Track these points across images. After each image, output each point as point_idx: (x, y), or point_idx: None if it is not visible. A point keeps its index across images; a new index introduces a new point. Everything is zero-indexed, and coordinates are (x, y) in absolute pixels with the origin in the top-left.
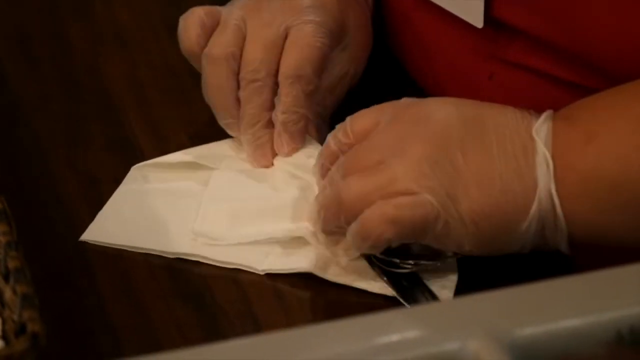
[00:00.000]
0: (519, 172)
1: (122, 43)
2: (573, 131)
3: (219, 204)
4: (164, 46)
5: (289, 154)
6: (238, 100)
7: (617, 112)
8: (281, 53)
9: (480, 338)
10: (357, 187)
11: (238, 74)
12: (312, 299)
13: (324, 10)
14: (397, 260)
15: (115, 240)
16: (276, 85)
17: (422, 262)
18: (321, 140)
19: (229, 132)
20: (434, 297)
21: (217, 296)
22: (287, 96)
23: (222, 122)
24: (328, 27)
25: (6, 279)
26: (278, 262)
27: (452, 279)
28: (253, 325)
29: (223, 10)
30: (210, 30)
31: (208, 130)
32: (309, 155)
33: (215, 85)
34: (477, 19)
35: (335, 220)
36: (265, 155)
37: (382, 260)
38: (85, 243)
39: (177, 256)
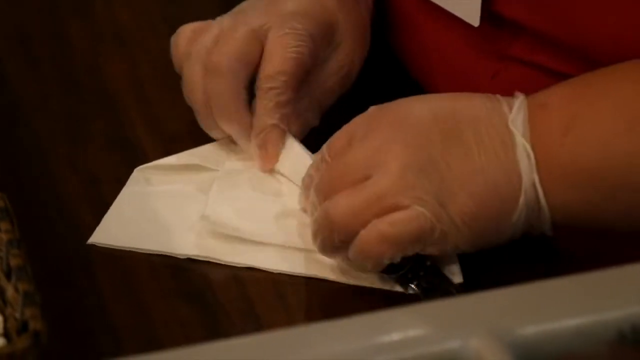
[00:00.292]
0: (501, 166)
1: (122, 42)
2: (550, 120)
3: (229, 197)
4: (165, 45)
5: (265, 166)
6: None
7: (595, 99)
8: (254, 48)
9: (481, 337)
10: (345, 205)
11: None
12: (313, 298)
13: (305, 15)
14: (409, 276)
15: (123, 243)
16: (247, 75)
17: (428, 263)
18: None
19: (210, 134)
20: (450, 283)
21: (218, 295)
22: (260, 106)
23: (202, 124)
24: (309, 32)
25: (8, 276)
26: (288, 264)
27: (456, 265)
28: (254, 324)
29: (212, 22)
30: None
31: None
32: (298, 163)
33: (188, 82)
34: (474, 18)
35: (330, 241)
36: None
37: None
38: (84, 242)
39: (187, 257)
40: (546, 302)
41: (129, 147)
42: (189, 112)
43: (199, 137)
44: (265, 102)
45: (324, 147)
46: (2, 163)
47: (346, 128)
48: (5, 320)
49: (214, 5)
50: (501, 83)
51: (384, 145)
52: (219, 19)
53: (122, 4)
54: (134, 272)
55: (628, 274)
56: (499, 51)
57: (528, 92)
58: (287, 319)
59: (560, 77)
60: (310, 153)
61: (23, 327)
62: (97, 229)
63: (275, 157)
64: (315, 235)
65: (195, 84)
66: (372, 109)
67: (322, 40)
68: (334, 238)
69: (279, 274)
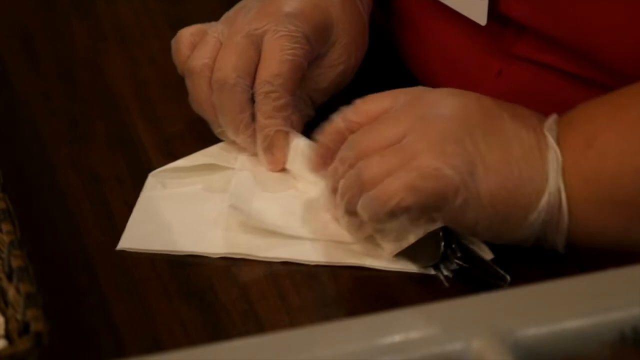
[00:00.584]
0: (533, 163)
1: (124, 40)
2: (575, 135)
3: (250, 192)
4: (166, 43)
5: (274, 169)
6: None
7: (615, 116)
8: (255, 58)
9: (484, 338)
10: (379, 166)
11: None
12: (313, 298)
13: (299, 15)
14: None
15: (152, 246)
16: (252, 87)
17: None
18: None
19: (224, 139)
20: (482, 260)
21: (219, 295)
22: (259, 111)
23: (215, 132)
24: (304, 33)
25: (9, 278)
26: (324, 255)
27: (482, 243)
28: (255, 324)
29: (209, 26)
30: None
31: (210, 128)
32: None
33: (196, 98)
34: (480, 17)
35: (357, 200)
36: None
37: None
38: (86, 241)
39: (220, 256)
40: (548, 304)
41: (130, 146)
42: (189, 111)
43: (200, 136)
44: (265, 107)
45: (359, 102)
46: (4, 161)
47: (388, 94)
48: (6, 322)
49: (215, 4)
50: (505, 82)
51: (426, 117)
52: (215, 25)
53: (124, 2)
54: (135, 271)
55: (629, 275)
56: (503, 50)
57: (532, 90)
58: (288, 319)
59: (564, 75)
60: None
61: (24, 329)
62: (124, 235)
63: (283, 160)
64: (343, 194)
65: (203, 100)
66: (417, 87)
67: (317, 40)
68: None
69: (279, 274)
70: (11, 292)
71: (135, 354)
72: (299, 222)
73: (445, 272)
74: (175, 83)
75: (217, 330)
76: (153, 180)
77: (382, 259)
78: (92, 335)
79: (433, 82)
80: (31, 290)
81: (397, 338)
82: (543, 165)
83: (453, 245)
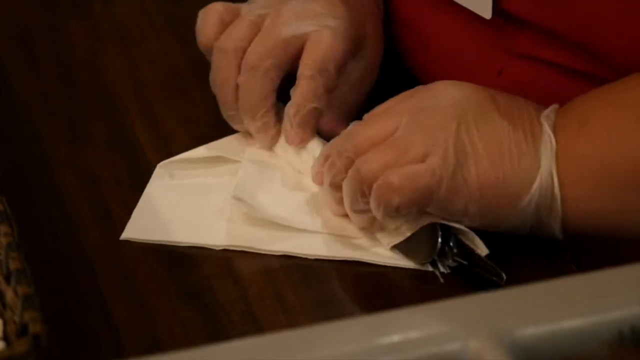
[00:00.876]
0: (525, 150)
1: (122, 41)
2: (568, 121)
3: (255, 185)
4: (165, 43)
5: (297, 144)
6: None
7: (607, 99)
8: (294, 51)
9: (481, 338)
10: (376, 161)
11: None
12: (311, 299)
13: (343, 20)
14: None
15: (155, 237)
16: (281, 77)
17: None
18: None
19: (232, 124)
20: (478, 256)
21: (218, 296)
22: (304, 88)
23: (225, 115)
24: (347, 35)
25: (7, 280)
26: (327, 249)
27: (478, 239)
28: (254, 324)
29: (243, 7)
30: (228, 26)
31: (209, 128)
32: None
33: (221, 77)
34: (485, 10)
35: (361, 196)
36: (267, 140)
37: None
38: (84, 242)
39: (221, 248)
40: (546, 304)
41: (129, 146)
42: (188, 112)
43: (198, 137)
44: (305, 89)
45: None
46: (2, 162)
47: (383, 104)
48: (4, 324)
49: None
50: (507, 80)
51: (421, 110)
52: (248, 6)
53: (123, 4)
54: (134, 272)
55: (627, 274)
56: (503, 47)
57: (533, 88)
58: (286, 320)
59: (565, 71)
60: None
61: (23, 331)
62: (128, 225)
63: (307, 138)
64: (345, 193)
65: (229, 80)
66: (415, 88)
67: (354, 47)
68: (364, 193)
69: (277, 273)
70: (9, 294)
71: (135, 355)
72: (303, 216)
73: (442, 269)
74: (174, 83)
75: (216, 331)
76: (161, 170)
77: (383, 254)
78: (91, 336)
79: (433, 81)
80: (29, 292)
81: (395, 338)
82: (535, 151)
83: (450, 242)
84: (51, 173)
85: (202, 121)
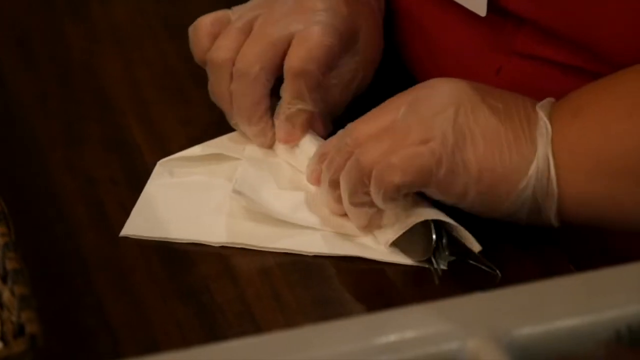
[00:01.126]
0: (521, 135)
1: (119, 42)
2: (564, 107)
3: (255, 181)
4: (161, 44)
5: (286, 142)
6: None
7: (601, 91)
8: (283, 52)
9: (479, 338)
10: (375, 149)
11: None
12: (309, 298)
13: (334, 13)
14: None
15: (154, 234)
16: (272, 81)
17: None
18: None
19: (240, 132)
20: (472, 253)
21: (215, 296)
22: (289, 90)
23: (231, 124)
24: (338, 29)
25: (4, 280)
26: (327, 246)
27: (471, 236)
28: (251, 324)
29: (232, 13)
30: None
31: (206, 129)
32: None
33: (216, 88)
34: (480, 8)
35: (361, 187)
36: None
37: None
38: (81, 243)
39: (220, 245)
40: (543, 303)
41: (125, 147)
42: (185, 113)
43: (195, 137)
44: (293, 87)
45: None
46: None
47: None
48: (1, 324)
49: (210, 6)
50: (506, 78)
51: (419, 99)
52: (236, 11)
53: (119, 5)
54: (131, 273)
55: (624, 273)
56: (503, 46)
57: (532, 86)
58: (284, 320)
59: (564, 69)
60: None
61: (19, 331)
62: (127, 222)
63: (297, 136)
64: (345, 185)
65: (224, 92)
66: (412, 87)
67: (346, 42)
68: (364, 183)
69: (274, 273)
70: (6, 295)
71: (132, 355)
72: (301, 213)
73: (437, 266)
74: (170, 84)
75: (213, 331)
76: (161, 168)
77: (382, 251)
78: (88, 336)
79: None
80: (26, 293)
81: (392, 338)
82: (531, 136)
83: (444, 240)
84: (48, 174)
85: (199, 122)
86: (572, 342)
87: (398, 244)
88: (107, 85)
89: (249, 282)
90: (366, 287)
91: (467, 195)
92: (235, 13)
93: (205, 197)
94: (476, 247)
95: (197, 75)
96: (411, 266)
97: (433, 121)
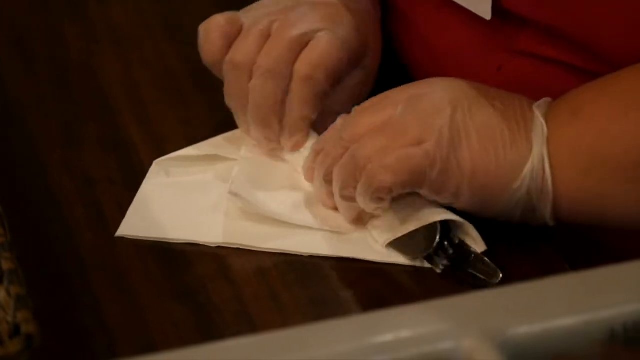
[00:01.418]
0: (517, 134)
1: (117, 42)
2: (562, 107)
3: (251, 181)
4: (159, 45)
5: (292, 149)
6: None
7: (598, 90)
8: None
9: (474, 337)
10: (372, 144)
11: None
12: (306, 298)
13: (348, 28)
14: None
15: (150, 234)
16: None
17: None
18: None
19: (250, 137)
20: (475, 253)
21: (212, 296)
22: (295, 95)
23: (241, 128)
24: (350, 44)
25: (0, 280)
26: (323, 247)
27: (477, 235)
28: (248, 324)
29: (243, 16)
30: (233, 38)
31: (204, 129)
32: None
33: (236, 93)
34: (485, 11)
35: (352, 181)
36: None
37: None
38: (79, 243)
39: (216, 245)
40: (539, 302)
41: (123, 148)
42: (182, 113)
43: (193, 138)
44: (303, 93)
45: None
46: None
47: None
48: None
49: (208, 6)
50: (506, 76)
51: (416, 96)
52: (251, 13)
53: (117, 3)
54: (128, 273)
55: (619, 272)
56: (504, 45)
57: (532, 85)
58: (281, 319)
59: (565, 68)
60: None
61: (15, 331)
62: (123, 222)
63: (300, 144)
64: (337, 178)
65: (242, 93)
66: (409, 84)
67: (356, 57)
68: (356, 178)
69: (270, 273)
70: (2, 295)
71: (129, 355)
72: (298, 213)
73: (439, 264)
74: (169, 84)
75: (210, 331)
76: (157, 168)
77: (379, 251)
78: (85, 336)
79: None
80: (21, 293)
81: (387, 337)
82: (527, 136)
83: (445, 242)
84: (45, 174)
85: (197, 122)
86: (567, 342)
87: (396, 244)
88: (105, 86)
89: (246, 282)
90: (363, 287)
91: (461, 195)
92: (248, 17)
93: (202, 197)
94: (481, 246)
95: (196, 75)
96: (408, 266)
97: (430, 121)
